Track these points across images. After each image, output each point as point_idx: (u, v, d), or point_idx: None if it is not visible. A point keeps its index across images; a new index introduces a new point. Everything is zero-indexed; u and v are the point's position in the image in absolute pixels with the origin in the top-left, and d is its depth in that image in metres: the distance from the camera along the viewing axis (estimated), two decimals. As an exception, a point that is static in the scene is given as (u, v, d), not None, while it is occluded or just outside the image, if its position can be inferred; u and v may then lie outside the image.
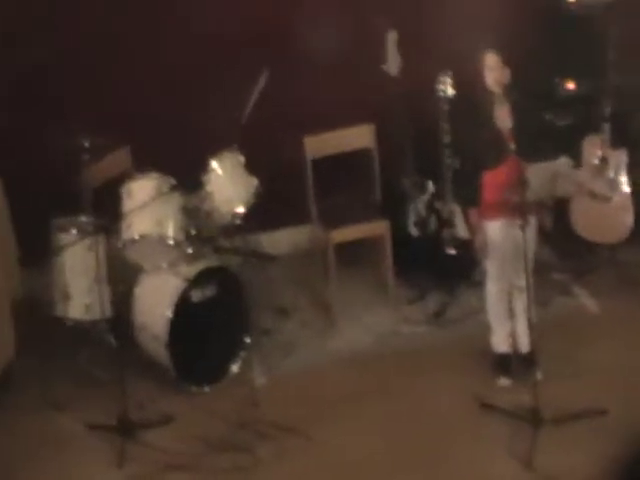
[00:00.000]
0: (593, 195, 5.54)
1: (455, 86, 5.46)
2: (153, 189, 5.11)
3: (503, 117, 4.77)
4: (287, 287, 5.77)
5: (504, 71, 4.78)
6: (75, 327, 5.17)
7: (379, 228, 5.57)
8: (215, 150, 5.35)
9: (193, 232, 5.24)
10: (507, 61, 4.77)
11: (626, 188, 5.55)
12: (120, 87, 5.74)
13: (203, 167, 5.32)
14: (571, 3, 5.81)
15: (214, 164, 5.30)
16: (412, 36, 5.73)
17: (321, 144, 5.78)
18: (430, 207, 5.73)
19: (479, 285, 5.17)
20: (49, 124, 5.61)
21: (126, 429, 4.75)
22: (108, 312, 5.08)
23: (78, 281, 5.15)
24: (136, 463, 4.64)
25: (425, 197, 5.74)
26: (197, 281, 5.12)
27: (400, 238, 5.69)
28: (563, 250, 5.66)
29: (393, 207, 5.76)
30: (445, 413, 4.83)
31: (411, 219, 5.76)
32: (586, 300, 5.48)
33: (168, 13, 5.70)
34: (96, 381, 5.03)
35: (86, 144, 5.06)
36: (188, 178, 5.25)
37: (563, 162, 4.73)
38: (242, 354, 5.20)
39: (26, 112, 5.68)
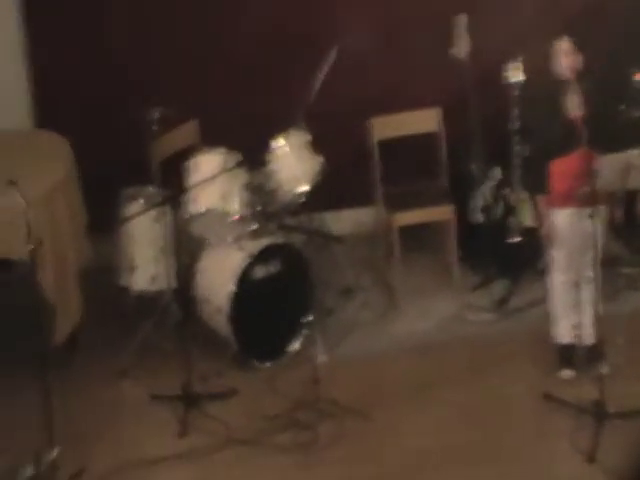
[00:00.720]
0: (666, 188, 5.48)
1: (526, 72, 5.41)
2: (219, 164, 5.12)
3: (575, 105, 4.69)
4: (350, 268, 5.70)
5: (577, 57, 4.72)
6: (140, 297, 5.20)
7: (444, 213, 5.54)
8: (282, 128, 5.35)
9: (258, 208, 5.24)
10: (581, 48, 4.71)
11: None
12: (191, 62, 5.75)
13: (269, 144, 5.32)
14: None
15: (280, 142, 5.30)
16: (482, 20, 5.67)
17: (388, 126, 5.74)
18: (497, 194, 5.67)
19: (543, 274, 5.10)
20: (120, 94, 5.67)
21: (189, 400, 4.77)
22: (173, 284, 5.07)
23: (144, 251, 5.17)
24: (198, 434, 4.66)
25: (492, 183, 5.69)
26: (261, 257, 5.12)
27: (466, 224, 5.64)
28: (633, 244, 5.58)
29: (459, 192, 5.71)
30: (507, 404, 4.78)
31: (477, 205, 5.70)
32: (654, 295, 5.44)
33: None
34: (160, 351, 5.04)
35: (156, 115, 5.07)
36: (255, 155, 5.26)
37: (636, 154, 4.66)
38: (304, 332, 5.20)
39: (98, 82, 5.72)
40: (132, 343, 5.10)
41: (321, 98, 5.41)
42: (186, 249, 5.23)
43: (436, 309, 5.48)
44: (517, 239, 5.56)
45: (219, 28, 5.76)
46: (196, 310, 5.19)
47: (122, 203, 5.23)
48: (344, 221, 5.97)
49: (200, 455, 4.58)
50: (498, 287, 5.58)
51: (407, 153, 5.89)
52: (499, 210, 5.67)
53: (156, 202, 4.99)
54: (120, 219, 5.16)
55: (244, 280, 5.06)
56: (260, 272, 5.14)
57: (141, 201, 5.18)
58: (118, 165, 5.49)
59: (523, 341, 5.14)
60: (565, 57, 4.73)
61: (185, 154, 5.32)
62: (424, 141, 5.81)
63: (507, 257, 5.61)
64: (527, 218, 5.53)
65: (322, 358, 5.05)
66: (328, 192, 5.37)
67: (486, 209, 5.68)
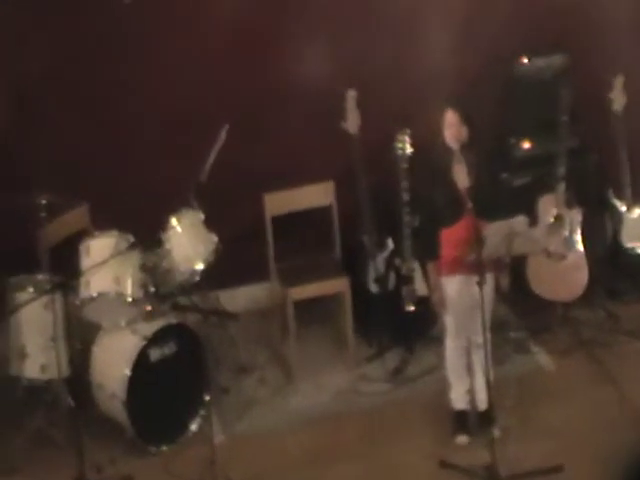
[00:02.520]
0: (548, 253, 5.63)
1: (413, 144, 5.55)
2: (111, 247, 5.12)
3: (460, 175, 4.84)
4: (246, 345, 5.74)
5: (462, 129, 4.85)
6: (30, 386, 5.11)
7: (338, 285, 5.59)
8: (174, 207, 5.39)
9: (152, 290, 5.25)
10: (465, 119, 4.86)
11: (580, 247, 5.65)
12: (78, 145, 5.71)
13: (162, 224, 5.36)
14: (524, 65, 5.94)
15: (173, 222, 5.34)
16: (371, 94, 5.82)
17: (281, 201, 5.83)
18: (390, 264, 5.77)
19: (438, 341, 5.20)
20: (5, 181, 5.58)
21: (82, 492, 4.71)
22: (65, 371, 5.02)
23: (34, 340, 5.10)
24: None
25: (384, 254, 5.78)
26: (156, 339, 5.10)
27: (360, 295, 5.71)
28: (520, 308, 5.71)
29: (353, 264, 5.80)
30: (404, 473, 4.82)
31: (371, 276, 5.78)
32: (542, 358, 5.52)
33: (129, 73, 5.74)
34: (52, 442, 4.96)
35: (43, 201, 5.08)
36: (147, 235, 5.28)
37: (519, 221, 4.80)
38: (201, 412, 5.17)
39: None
40: (22, 435, 5.00)
41: (214, 175, 5.47)
42: (79, 335, 5.16)
43: (332, 382, 5.51)
44: (410, 308, 5.66)
45: (106, 109, 5.75)
46: (90, 397, 5.12)
47: (10, 292, 5.16)
48: (239, 298, 6.00)
49: None
50: (393, 357, 5.64)
51: (300, 227, 5.97)
52: (392, 280, 5.76)
53: (45, 289, 4.95)
54: (9, 308, 5.09)
55: (139, 364, 5.02)
56: (155, 354, 5.11)
57: (30, 289, 5.12)
58: (5, 254, 5.38)
59: (419, 409, 5.19)
60: (450, 128, 4.86)
61: (76, 239, 5.31)
62: (317, 214, 5.90)
63: (401, 326, 5.68)
64: (419, 287, 5.64)
65: (219, 438, 5.04)
66: (222, 269, 5.42)
67: (379, 280, 5.76)
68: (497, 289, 5.05)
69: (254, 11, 5.81)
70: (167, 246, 5.33)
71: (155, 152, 5.84)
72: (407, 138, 5.57)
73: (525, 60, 5.94)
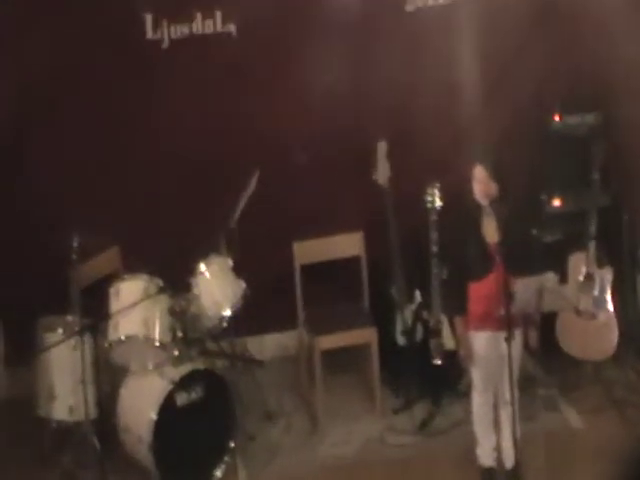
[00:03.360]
0: (578, 312, 5.60)
1: (443, 197, 5.56)
2: (141, 290, 5.14)
3: (490, 230, 4.84)
4: (273, 392, 5.73)
5: (491, 185, 4.85)
6: (59, 428, 5.12)
7: (366, 336, 5.58)
8: (204, 253, 5.41)
9: (180, 334, 5.24)
10: (495, 175, 4.86)
11: (610, 306, 5.62)
12: (111, 187, 5.76)
13: (191, 270, 5.36)
14: (558, 122, 5.97)
15: (202, 267, 5.35)
16: (402, 146, 5.85)
17: (310, 250, 5.84)
18: (417, 316, 5.75)
19: (465, 396, 5.17)
20: (39, 221, 5.65)
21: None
22: (93, 413, 5.04)
23: (63, 381, 5.12)
24: None
25: (412, 306, 5.78)
26: (183, 383, 5.09)
27: (387, 346, 5.70)
28: (549, 365, 5.66)
29: (381, 315, 5.79)
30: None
31: (398, 328, 5.77)
32: (572, 417, 5.48)
33: (162, 117, 5.79)
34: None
35: (75, 243, 5.10)
36: (177, 279, 5.30)
37: (549, 277, 4.79)
38: (226, 459, 5.15)
39: (17, 210, 5.70)
40: (50, 476, 5.00)
41: (244, 221, 5.49)
42: (107, 377, 5.19)
43: (359, 432, 5.48)
44: (438, 362, 5.62)
45: (139, 152, 5.80)
46: (117, 440, 5.12)
47: (40, 332, 5.19)
48: (267, 345, 6.01)
49: None
50: (420, 409, 5.61)
51: (329, 276, 5.97)
52: (420, 333, 5.75)
53: (75, 331, 4.97)
54: (38, 348, 5.12)
55: (165, 408, 5.01)
56: (182, 399, 5.10)
57: (60, 330, 5.14)
58: (36, 294, 5.44)
59: (446, 463, 5.15)
60: (479, 184, 4.86)
61: (106, 281, 5.34)
62: (346, 264, 5.90)
63: (429, 379, 5.65)
64: (447, 340, 5.62)
65: (244, 485, 5.05)
66: (251, 316, 5.42)
67: (407, 332, 5.75)
68: (526, 345, 5.04)
69: (290, 59, 5.86)
70: (195, 291, 5.33)
71: (186, 197, 5.88)
72: (437, 191, 5.59)
73: (558, 117, 5.96)
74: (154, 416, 4.97)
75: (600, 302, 5.62)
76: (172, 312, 5.22)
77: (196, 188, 5.87)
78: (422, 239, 5.65)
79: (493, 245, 4.81)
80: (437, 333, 5.63)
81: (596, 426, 5.32)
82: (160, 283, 5.20)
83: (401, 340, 5.76)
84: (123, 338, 5.08)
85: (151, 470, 4.97)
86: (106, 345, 5.10)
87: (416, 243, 5.72)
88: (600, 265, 5.63)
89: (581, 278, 5.62)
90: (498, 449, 4.94)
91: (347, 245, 5.88)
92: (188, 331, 5.28)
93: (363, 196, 5.89)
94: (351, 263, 5.87)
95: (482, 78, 6.01)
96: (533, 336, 4.99)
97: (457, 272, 5.04)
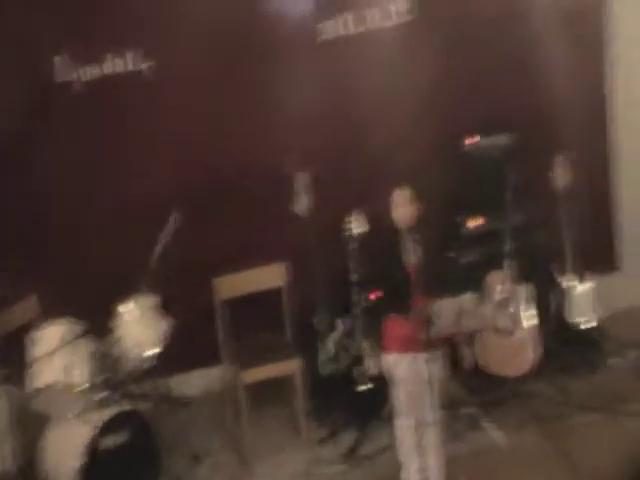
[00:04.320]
0: (496, 330, 5.69)
1: (364, 224, 5.61)
2: (60, 336, 5.12)
3: (410, 253, 4.89)
4: (200, 430, 5.70)
5: (412, 208, 4.93)
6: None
7: (290, 367, 5.59)
8: (125, 294, 5.40)
9: (102, 378, 5.22)
10: (413, 199, 4.93)
11: (527, 322, 5.70)
12: (27, 233, 5.74)
13: (112, 312, 5.35)
14: (473, 144, 6.07)
15: (123, 309, 5.34)
16: (322, 176, 5.89)
17: (231, 285, 5.85)
18: (340, 345, 5.79)
19: (390, 421, 5.16)
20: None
21: None
22: (14, 464, 4.95)
23: (-17, 432, 5.06)
24: None
25: (335, 335, 5.81)
26: (107, 428, 5.05)
27: (312, 376, 5.71)
28: (470, 384, 5.71)
29: (304, 345, 5.80)
30: None
31: (322, 357, 5.79)
32: (495, 434, 5.51)
33: (80, 156, 5.79)
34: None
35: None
36: (97, 323, 5.27)
37: (467, 298, 4.85)
38: (154, 501, 5.14)
39: None
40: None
41: (164, 260, 5.48)
42: (29, 426, 5.11)
43: (287, 464, 5.47)
44: (363, 388, 5.64)
45: (54, 200, 5.78)
46: (42, 488, 5.06)
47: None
48: (192, 382, 5.98)
49: None
50: (346, 437, 5.61)
51: (252, 309, 5.96)
52: (344, 360, 5.77)
53: (-6, 381, 4.93)
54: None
55: (90, 454, 4.96)
56: (106, 443, 5.05)
57: (-22, 382, 5.09)
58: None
59: (373, 490, 5.18)
60: (401, 207, 4.93)
61: (25, 329, 5.27)
62: (269, 296, 5.91)
63: (354, 406, 5.67)
64: (370, 366, 5.65)
65: (172, 526, 5.01)
66: (174, 354, 5.40)
67: (330, 361, 5.77)
68: (461, 364, 5.07)
69: (205, 93, 5.92)
70: (117, 334, 5.31)
71: (105, 239, 5.86)
72: (355, 219, 5.64)
73: (473, 139, 6.08)
74: (77, 463, 4.91)
75: (517, 319, 5.72)
76: (94, 356, 5.18)
77: (114, 230, 5.86)
78: (343, 268, 5.70)
79: (413, 267, 4.87)
80: (360, 360, 5.67)
81: (519, 441, 5.36)
82: (80, 328, 5.17)
83: (325, 369, 5.77)
84: (43, 386, 5.02)
85: (77, 517, 4.92)
86: (28, 394, 5.03)
87: (338, 271, 5.76)
88: (516, 283, 5.73)
89: (497, 296, 5.72)
90: (424, 471, 4.97)
91: (269, 277, 5.90)
92: (111, 374, 5.25)
93: (284, 227, 5.91)
94: (273, 295, 5.89)
95: (399, 102, 6.13)
96: (468, 355, 5.06)
97: (380, 297, 5.09)
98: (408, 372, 4.89)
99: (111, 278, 5.60)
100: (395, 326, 4.91)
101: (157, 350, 5.35)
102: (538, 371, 5.69)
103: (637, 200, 6.44)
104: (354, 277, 5.66)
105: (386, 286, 4.98)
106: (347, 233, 5.65)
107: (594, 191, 6.29)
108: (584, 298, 5.92)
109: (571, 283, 5.91)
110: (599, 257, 6.29)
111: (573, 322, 5.91)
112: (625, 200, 6.52)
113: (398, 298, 4.89)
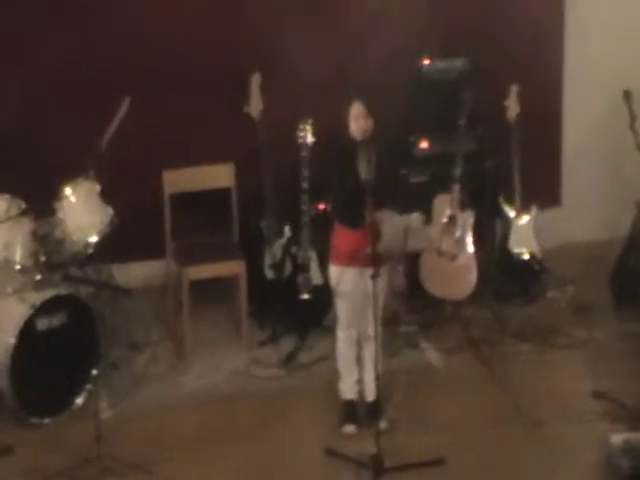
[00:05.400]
0: (440, 252, 5.76)
1: (318, 132, 5.55)
2: (1, 211, 5.00)
3: (363, 167, 4.85)
4: (140, 321, 5.68)
5: (368, 121, 4.87)
6: None
7: (235, 268, 5.58)
8: (71, 176, 5.28)
9: (43, 258, 5.13)
10: (371, 112, 4.88)
11: (471, 248, 5.81)
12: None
13: (57, 193, 5.25)
14: (427, 66, 6.04)
15: (68, 190, 5.23)
16: (276, 80, 5.83)
17: (180, 179, 5.76)
18: (286, 251, 5.79)
19: (330, 332, 5.25)
20: None
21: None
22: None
23: None
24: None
25: (282, 241, 5.80)
26: (44, 309, 4.99)
27: (256, 279, 5.72)
28: (412, 304, 5.82)
29: (250, 248, 5.79)
30: (292, 457, 4.85)
31: (267, 262, 5.79)
32: (431, 354, 5.64)
33: (35, 31, 5.61)
34: None
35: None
36: (42, 203, 5.16)
37: (415, 218, 4.87)
38: (88, 386, 5.08)
39: None
40: None
41: (114, 147, 5.37)
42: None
43: (224, 363, 5.50)
44: (305, 296, 5.70)
45: (5, 68, 5.60)
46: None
47: None
48: (134, 273, 5.92)
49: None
50: (286, 343, 5.66)
51: (199, 207, 5.93)
52: (288, 267, 5.78)
53: None
54: None
55: (25, 333, 4.90)
56: (43, 324, 5.00)
57: None
58: None
59: (309, 397, 5.23)
60: (356, 120, 4.87)
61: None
62: (217, 196, 5.86)
63: (295, 314, 5.72)
64: (315, 276, 5.68)
65: (106, 413, 4.98)
66: (118, 244, 5.34)
67: (275, 266, 5.78)
68: (392, 284, 5.15)
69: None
70: (60, 215, 5.21)
71: (55, 118, 5.71)
72: (309, 126, 5.58)
73: (428, 61, 6.05)
74: (13, 340, 4.85)
75: (461, 244, 5.78)
76: (35, 236, 5.09)
77: (65, 110, 5.71)
78: (294, 174, 5.67)
79: (365, 181, 4.83)
80: (305, 268, 5.69)
81: (453, 363, 5.50)
82: (22, 205, 5.06)
83: (269, 274, 5.78)
84: (-18, 261, 4.93)
85: (8, 395, 4.86)
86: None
87: (288, 178, 5.73)
88: (463, 208, 5.78)
89: (444, 219, 5.78)
90: (360, 383, 5.06)
91: (218, 176, 5.83)
92: (52, 256, 5.17)
93: (236, 128, 5.83)
94: (222, 195, 5.84)
95: (358, 14, 6.04)
96: (399, 276, 5.12)
97: (330, 207, 5.08)
98: (352, 285, 4.93)
99: (57, 159, 5.51)
100: (343, 238, 4.93)
101: (100, 236, 5.27)
102: (477, 297, 5.81)
103: (581, 135, 6.54)
104: (304, 185, 5.65)
105: (336, 197, 4.98)
106: (300, 140, 5.61)
107: (545, 124, 6.40)
108: (527, 229, 6.01)
109: (516, 213, 6.02)
110: (545, 190, 6.39)
111: (516, 252, 6.03)
112: (569, 135, 6.60)
113: (348, 211, 4.91)
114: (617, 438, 4.69)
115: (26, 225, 5.07)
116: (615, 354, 5.50)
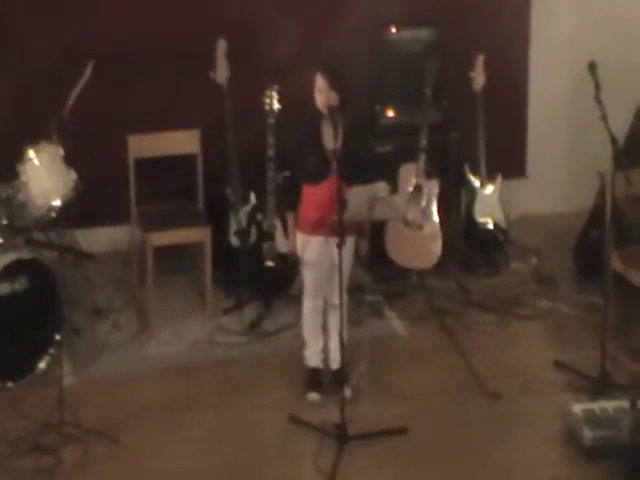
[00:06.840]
0: (406, 222, 5.77)
1: (284, 101, 5.54)
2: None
3: (328, 137, 4.86)
4: (103, 287, 5.66)
5: (331, 94, 4.86)
6: None
7: (199, 234, 5.54)
8: (34, 140, 5.22)
9: (5, 222, 5.06)
10: (334, 85, 4.85)
11: (436, 218, 5.83)
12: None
13: (20, 156, 5.17)
14: (393, 35, 6.01)
15: (31, 154, 5.17)
16: (242, 46, 5.78)
17: (145, 145, 5.69)
18: (252, 218, 5.77)
19: (296, 300, 5.26)
20: None
21: None
22: None
23: None
24: None
25: (247, 208, 5.78)
26: (6, 273, 4.92)
27: (220, 247, 5.69)
28: (377, 272, 5.82)
29: (216, 215, 5.76)
30: (256, 424, 4.86)
31: (232, 229, 5.77)
32: (396, 323, 5.67)
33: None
34: None
35: None
36: (2, 166, 5.10)
37: (381, 187, 4.87)
38: (51, 351, 5.04)
39: None
40: None
41: (78, 111, 5.32)
42: None
43: (188, 331, 5.49)
44: (270, 264, 5.69)
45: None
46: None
47: None
48: (98, 238, 5.89)
49: None
50: (250, 311, 5.66)
51: (165, 173, 5.89)
52: (253, 235, 5.77)
53: None
54: None
55: (-12, 298, 4.86)
56: (5, 289, 4.93)
57: None
58: None
59: (273, 364, 5.25)
60: (320, 93, 4.87)
61: None
62: (182, 162, 5.80)
63: (260, 281, 5.70)
64: (280, 244, 5.65)
65: (69, 379, 4.96)
66: (82, 208, 5.29)
67: (240, 233, 5.75)
68: (356, 253, 5.16)
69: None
70: (23, 178, 5.15)
71: (17, 81, 5.62)
72: (275, 94, 5.56)
73: (394, 30, 6.03)
74: (-26, 303, 4.81)
75: (427, 213, 5.79)
76: (-3, 199, 5.04)
77: (29, 74, 5.63)
78: (259, 142, 5.63)
79: (330, 152, 4.84)
80: (270, 236, 5.68)
81: (417, 333, 5.54)
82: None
83: (234, 241, 5.76)
84: (-57, 223, 4.86)
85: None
86: None
87: (253, 145, 5.70)
88: (428, 177, 5.78)
89: (410, 189, 5.79)
90: (325, 351, 5.07)
91: (184, 142, 5.76)
92: (14, 219, 5.10)
93: (202, 94, 5.79)
94: (187, 161, 5.78)
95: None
96: (363, 245, 5.12)
97: (294, 176, 5.08)
98: (318, 254, 4.93)
99: (20, 122, 5.45)
100: (308, 207, 4.92)
101: (64, 200, 5.22)
102: (442, 267, 5.84)
103: (547, 106, 6.57)
104: (270, 152, 5.62)
105: (302, 166, 4.97)
106: (266, 107, 5.59)
107: (510, 95, 6.42)
108: (492, 199, 6.05)
109: (481, 183, 6.05)
110: (510, 161, 6.41)
111: (480, 221, 6.06)
112: (535, 106, 6.62)
113: (313, 179, 4.90)
114: (578, 408, 4.74)
115: (-12, 188, 5.01)
116: (577, 325, 5.56)
